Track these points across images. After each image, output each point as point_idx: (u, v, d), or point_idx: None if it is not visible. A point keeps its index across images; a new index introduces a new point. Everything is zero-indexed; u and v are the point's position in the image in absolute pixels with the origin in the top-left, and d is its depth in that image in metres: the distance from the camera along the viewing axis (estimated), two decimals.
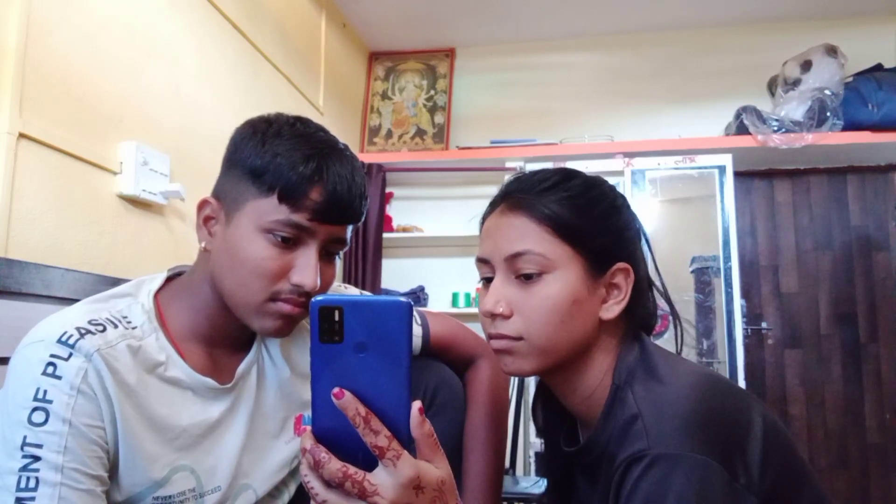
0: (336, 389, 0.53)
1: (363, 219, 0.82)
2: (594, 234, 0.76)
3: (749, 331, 3.33)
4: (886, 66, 3.10)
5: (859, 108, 2.97)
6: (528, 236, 0.75)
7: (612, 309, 0.77)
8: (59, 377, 0.67)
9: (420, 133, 3.55)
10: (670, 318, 0.87)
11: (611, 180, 0.84)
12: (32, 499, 0.64)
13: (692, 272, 3.08)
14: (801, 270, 3.39)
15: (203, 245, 0.80)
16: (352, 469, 0.53)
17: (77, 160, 1.47)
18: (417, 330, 0.95)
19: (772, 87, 3.30)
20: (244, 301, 0.76)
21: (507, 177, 0.86)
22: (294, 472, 0.91)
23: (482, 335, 0.84)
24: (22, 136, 1.31)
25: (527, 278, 0.74)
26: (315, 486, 0.54)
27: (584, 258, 0.75)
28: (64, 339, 0.69)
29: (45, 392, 0.66)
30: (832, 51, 3.03)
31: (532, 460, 3.03)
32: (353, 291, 0.98)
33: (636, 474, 0.64)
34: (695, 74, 3.43)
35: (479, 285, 0.82)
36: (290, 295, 0.76)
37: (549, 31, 3.52)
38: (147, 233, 1.71)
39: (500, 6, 3.26)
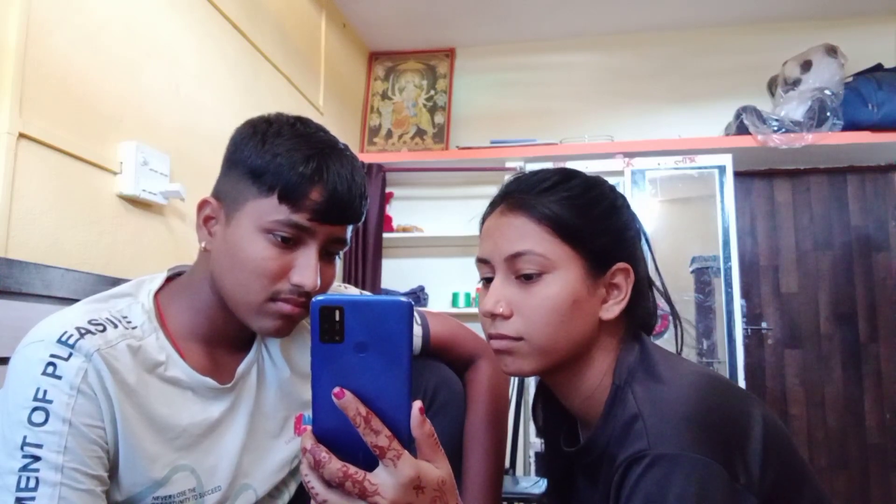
0: (336, 389, 0.53)
1: (363, 219, 0.82)
2: (594, 235, 0.76)
3: (749, 331, 3.33)
4: (886, 66, 3.10)
5: (859, 108, 2.97)
6: (528, 236, 0.75)
7: (613, 309, 0.77)
8: (59, 377, 0.67)
9: (420, 133, 3.55)
10: (670, 318, 0.87)
11: (611, 180, 0.84)
12: (32, 499, 0.64)
13: (692, 272, 3.08)
14: (801, 270, 3.39)
15: (203, 245, 0.80)
16: (352, 469, 0.53)
17: (77, 160, 1.47)
18: (418, 330, 0.95)
19: (772, 87, 3.30)
20: (244, 301, 0.76)
21: (507, 177, 0.86)
22: (294, 472, 0.91)
23: (482, 335, 0.84)
24: (22, 136, 1.31)
25: (527, 278, 0.74)
26: (315, 485, 0.54)
27: (584, 258, 0.75)
28: (64, 339, 0.69)
29: (45, 392, 0.66)
30: (832, 51, 3.03)
31: (532, 460, 3.03)
32: (353, 291, 0.98)
33: (636, 474, 0.64)
34: (695, 74, 3.43)
35: (479, 285, 0.82)
36: (290, 295, 0.76)
37: (549, 31, 3.52)
38: (147, 233, 1.71)
39: (500, 6, 3.26)
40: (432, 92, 3.61)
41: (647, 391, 0.70)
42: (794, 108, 3.01)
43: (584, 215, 0.76)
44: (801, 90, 3.02)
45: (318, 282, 0.76)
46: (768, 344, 3.36)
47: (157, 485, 0.75)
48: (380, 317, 0.53)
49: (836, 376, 3.29)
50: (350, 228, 0.80)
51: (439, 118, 3.55)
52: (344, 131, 3.29)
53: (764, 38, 3.36)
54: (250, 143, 0.77)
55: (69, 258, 1.44)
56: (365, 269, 3.19)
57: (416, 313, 0.94)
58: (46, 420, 0.66)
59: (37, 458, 0.65)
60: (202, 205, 0.80)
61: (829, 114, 2.94)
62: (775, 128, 2.99)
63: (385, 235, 3.33)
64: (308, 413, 0.89)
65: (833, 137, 2.97)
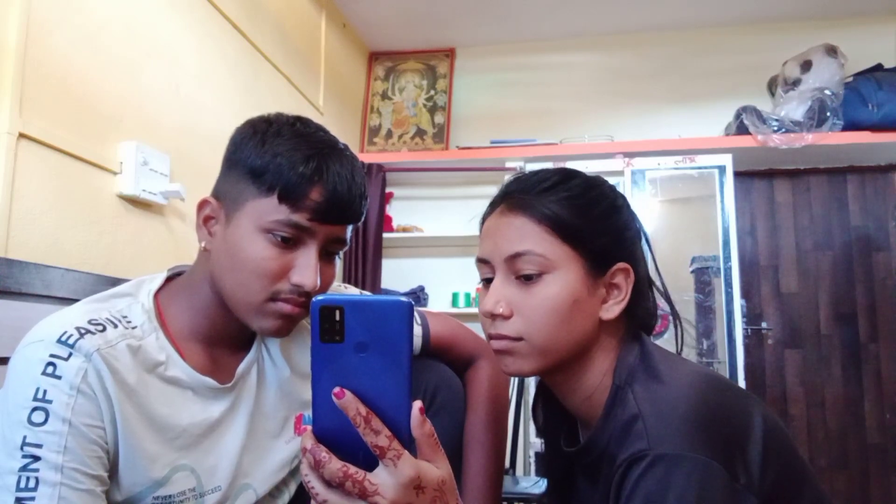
0: (337, 389, 0.53)
1: (363, 219, 0.82)
2: (594, 235, 0.76)
3: (749, 331, 3.33)
4: (886, 66, 3.10)
5: (859, 108, 2.97)
6: (528, 237, 0.75)
7: (613, 309, 0.77)
8: (58, 377, 0.67)
9: (420, 133, 3.55)
10: (670, 318, 0.87)
11: (611, 180, 0.84)
12: (32, 499, 0.64)
13: (692, 272, 3.08)
14: (801, 270, 3.39)
15: (203, 245, 0.80)
16: (352, 469, 0.53)
17: (77, 160, 1.47)
18: (418, 330, 0.95)
19: (772, 87, 3.30)
20: (244, 301, 0.76)
21: (507, 177, 0.86)
22: (294, 472, 0.91)
23: (482, 335, 0.84)
24: (22, 136, 1.31)
25: (527, 279, 0.74)
26: (315, 485, 0.54)
27: (584, 258, 0.75)
28: (64, 338, 0.69)
29: (45, 392, 0.66)
30: (832, 51, 3.03)
31: (532, 460, 3.03)
32: (353, 291, 0.98)
33: (636, 474, 0.64)
34: (695, 74, 3.43)
35: (479, 285, 0.81)
36: (290, 295, 0.76)
37: (549, 31, 3.52)
38: (147, 233, 1.71)
39: (500, 6, 3.26)
40: (432, 92, 3.61)
41: (647, 391, 0.70)
42: (794, 108, 3.01)
43: (584, 215, 0.76)
44: (801, 90, 3.02)
45: (318, 282, 0.76)
46: (768, 344, 3.36)
47: (157, 485, 0.75)
48: (380, 317, 0.53)
49: (836, 376, 3.29)
50: (350, 228, 0.80)
51: (439, 118, 3.55)
52: (344, 131, 3.29)
53: (764, 38, 3.36)
54: (250, 142, 0.77)
55: (69, 258, 1.44)
56: (365, 269, 3.19)
57: (416, 313, 0.94)
58: (46, 420, 0.66)
59: (36, 458, 0.65)
60: (202, 205, 0.80)
61: (829, 114, 2.94)
62: (775, 128, 2.99)
63: (385, 235, 3.33)
64: (308, 413, 0.89)
65: (833, 137, 2.97)
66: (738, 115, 3.11)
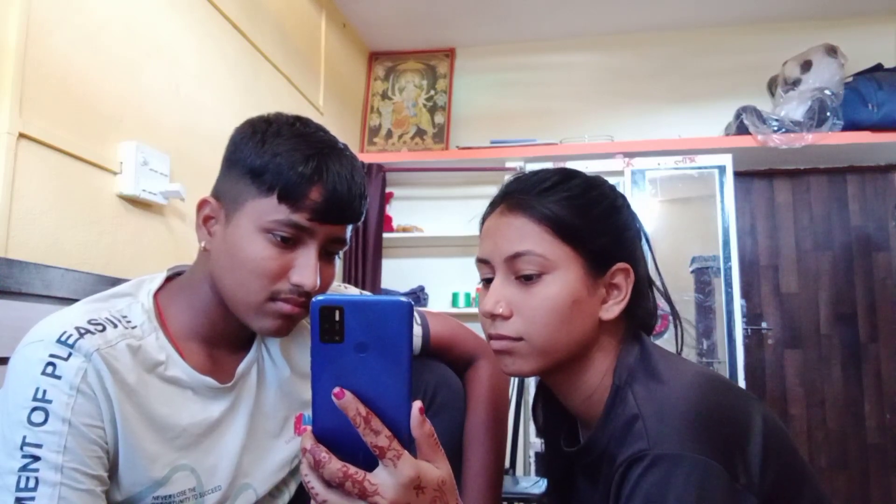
0: (336, 389, 0.53)
1: (363, 218, 0.82)
2: (594, 235, 0.76)
3: (749, 331, 3.33)
4: (886, 66, 3.10)
5: (859, 108, 2.97)
6: (528, 237, 0.75)
7: (613, 309, 0.77)
8: (58, 377, 0.67)
9: (420, 133, 3.55)
10: (670, 318, 0.87)
11: (611, 180, 0.84)
12: (32, 499, 0.64)
13: (692, 272, 3.08)
14: (801, 270, 3.39)
15: (203, 245, 0.80)
16: (352, 469, 0.53)
17: (77, 160, 1.47)
18: (418, 330, 0.95)
19: (772, 87, 3.30)
20: (244, 301, 0.76)
21: (507, 177, 0.86)
22: (294, 472, 0.91)
23: (482, 335, 0.84)
24: (22, 136, 1.31)
25: (527, 279, 0.74)
26: (315, 485, 0.53)
27: (584, 258, 0.75)
28: (63, 338, 0.69)
29: (45, 392, 0.66)
30: (832, 51, 3.03)
31: (532, 460, 3.03)
32: (353, 291, 0.98)
33: (637, 474, 0.64)
34: (695, 74, 3.43)
35: (479, 285, 0.81)
36: (290, 295, 0.76)
37: (549, 31, 3.52)
38: (147, 233, 1.71)
39: (500, 6, 3.26)
40: (432, 92, 3.61)
41: (647, 391, 0.70)
42: (794, 108, 3.01)
43: (584, 215, 0.76)
44: (801, 90, 3.02)
45: (318, 282, 0.76)
46: (768, 344, 3.36)
47: (157, 484, 0.75)
48: (380, 317, 0.53)
49: (836, 376, 3.29)
50: (350, 228, 0.80)
51: (439, 118, 3.55)
52: (344, 131, 3.29)
53: (764, 38, 3.36)
54: (250, 142, 0.77)
55: (69, 258, 1.44)
56: (365, 269, 3.19)
57: (415, 313, 0.94)
58: (46, 420, 0.66)
59: (36, 458, 0.65)
60: (202, 204, 0.80)
61: (829, 114, 2.94)
62: (775, 128, 2.99)
63: (385, 235, 3.33)
64: (308, 413, 0.89)
65: (833, 137, 2.97)
66: (738, 115, 3.11)
